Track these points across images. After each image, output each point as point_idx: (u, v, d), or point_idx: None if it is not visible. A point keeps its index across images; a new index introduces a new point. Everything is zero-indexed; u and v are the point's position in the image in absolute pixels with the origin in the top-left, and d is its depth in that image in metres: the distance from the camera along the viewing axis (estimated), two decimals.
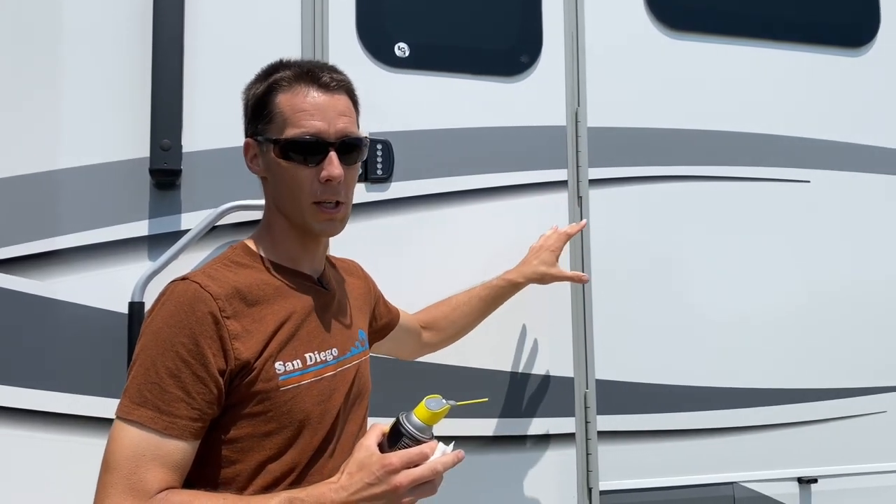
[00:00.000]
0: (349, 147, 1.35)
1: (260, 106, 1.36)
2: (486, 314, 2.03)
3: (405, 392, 1.93)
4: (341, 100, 1.35)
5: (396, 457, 1.16)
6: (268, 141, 1.34)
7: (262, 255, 1.38)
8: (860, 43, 2.57)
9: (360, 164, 1.39)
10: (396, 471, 1.15)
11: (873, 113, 2.56)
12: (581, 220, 2.24)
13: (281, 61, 1.40)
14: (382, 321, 1.77)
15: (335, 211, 1.35)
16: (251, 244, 1.40)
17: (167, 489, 1.18)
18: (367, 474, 1.16)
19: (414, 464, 1.16)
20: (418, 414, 1.21)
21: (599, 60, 2.32)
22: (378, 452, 1.18)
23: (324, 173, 1.31)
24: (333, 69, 1.39)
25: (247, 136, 1.40)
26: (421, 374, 2.04)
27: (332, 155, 1.32)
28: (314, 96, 1.32)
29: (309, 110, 1.31)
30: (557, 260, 2.05)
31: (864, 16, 2.59)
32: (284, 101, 1.33)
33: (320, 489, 1.18)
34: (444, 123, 2.18)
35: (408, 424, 1.21)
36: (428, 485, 1.18)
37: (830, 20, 2.55)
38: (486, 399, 1.41)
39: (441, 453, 1.19)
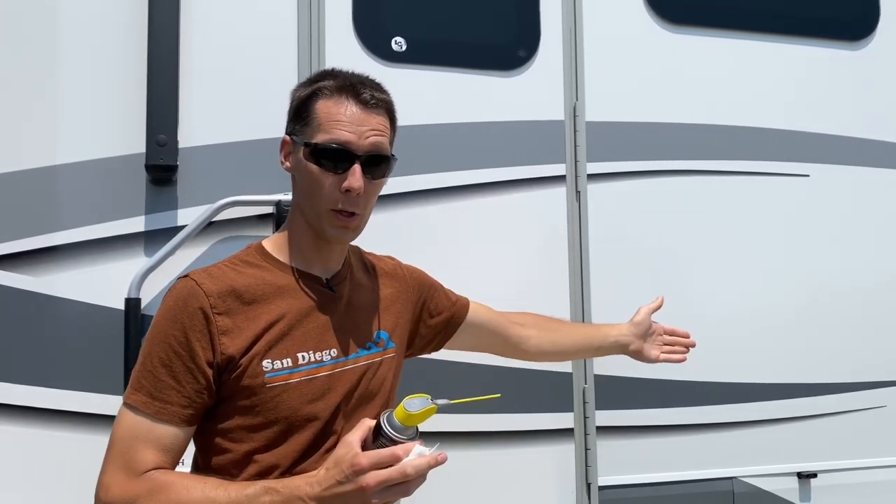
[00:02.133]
0: (375, 162, 1.39)
1: (301, 108, 1.41)
2: (581, 353, 2.03)
3: (406, 388, 1.92)
4: (377, 117, 1.39)
5: (366, 457, 1.16)
6: (301, 142, 1.39)
7: (274, 254, 1.43)
8: (859, 36, 2.57)
9: (384, 180, 1.43)
10: (364, 471, 1.15)
11: (873, 106, 2.56)
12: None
13: (332, 70, 1.45)
14: (444, 315, 1.72)
15: (349, 220, 1.38)
16: (267, 244, 1.45)
17: (157, 469, 1.26)
18: (338, 472, 1.17)
19: (384, 465, 1.16)
20: (397, 414, 1.19)
21: (598, 54, 2.32)
22: (355, 449, 1.18)
23: (345, 183, 1.35)
24: (378, 87, 1.42)
25: (286, 133, 1.45)
26: (421, 370, 2.04)
27: (357, 167, 1.35)
28: (351, 109, 1.37)
29: (343, 121, 1.36)
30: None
31: (863, 9, 2.59)
32: (323, 107, 1.37)
33: (297, 482, 1.21)
34: (441, 118, 2.18)
35: (386, 424, 1.19)
36: (399, 486, 1.17)
37: (830, 13, 2.55)
38: (499, 395, 1.37)
39: (416, 455, 1.16)
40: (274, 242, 1.45)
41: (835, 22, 2.55)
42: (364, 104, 1.37)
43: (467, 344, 1.81)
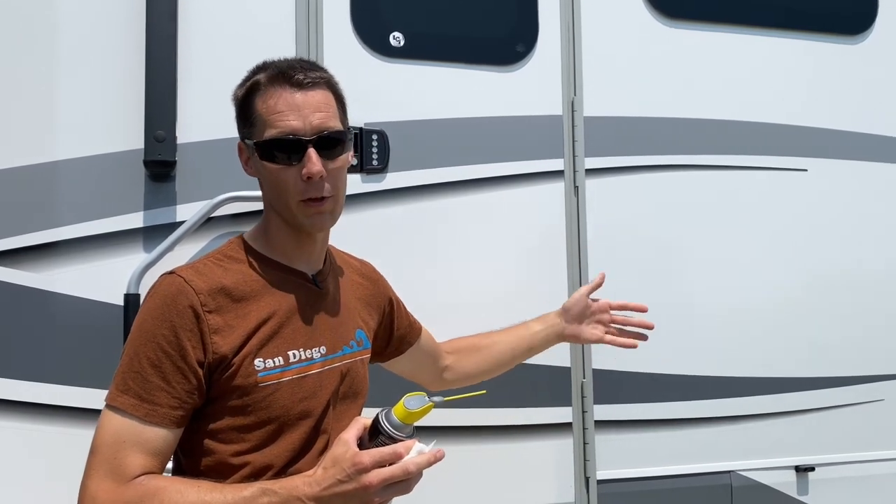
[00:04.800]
0: (329, 142, 1.33)
1: (243, 110, 1.37)
2: (518, 356, 1.92)
3: (401, 385, 1.92)
4: (317, 95, 1.34)
5: (368, 455, 1.16)
6: (252, 144, 1.35)
7: (257, 249, 1.39)
8: (858, 30, 2.56)
9: (346, 156, 1.38)
10: (367, 469, 1.15)
11: (871, 101, 2.56)
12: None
13: (262, 63, 1.39)
14: (400, 331, 1.71)
15: (321, 204, 1.35)
16: (249, 238, 1.42)
17: (146, 474, 1.21)
18: (339, 471, 1.16)
19: (386, 463, 1.16)
20: (396, 412, 1.20)
21: (595, 49, 2.32)
22: (353, 448, 1.18)
23: (304, 171, 1.31)
24: (311, 66, 1.37)
25: (240, 138, 1.41)
26: None
27: (311, 152, 1.31)
28: (288, 96, 1.32)
29: (283, 111, 1.31)
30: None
31: (861, 3, 2.58)
32: (261, 104, 1.33)
33: (294, 482, 1.19)
34: (439, 113, 2.17)
35: (385, 422, 1.20)
36: (401, 484, 1.17)
37: (828, 8, 2.54)
38: (484, 391, 1.39)
39: (417, 453, 1.17)
40: (256, 236, 1.41)
41: (833, 16, 2.54)
42: (299, 86, 1.32)
43: (403, 368, 1.79)
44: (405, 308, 1.75)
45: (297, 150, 1.31)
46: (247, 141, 1.37)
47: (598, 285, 1.93)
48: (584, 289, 1.94)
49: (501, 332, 1.92)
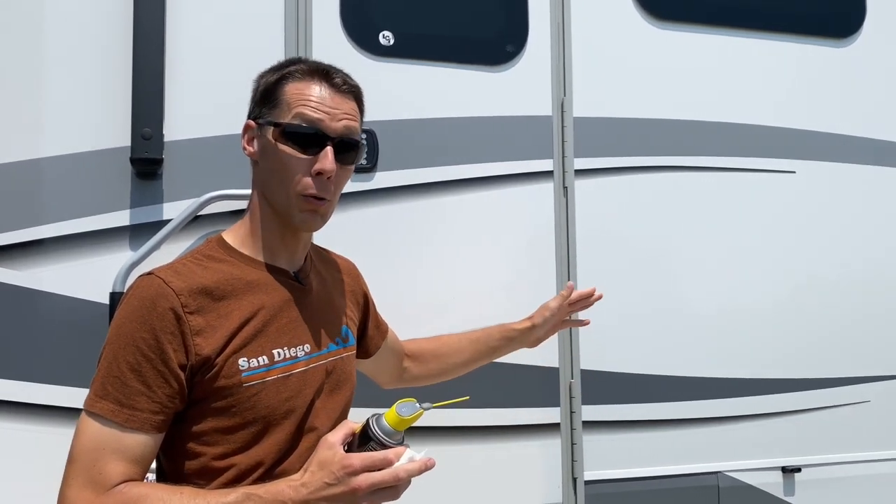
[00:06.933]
0: (346, 147, 1.35)
1: (268, 92, 1.37)
2: (478, 361, 1.94)
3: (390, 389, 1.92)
4: (349, 102, 1.37)
5: (358, 458, 1.15)
6: (269, 124, 1.34)
7: (237, 248, 1.37)
8: (846, 33, 2.58)
9: (352, 166, 1.40)
10: (356, 473, 1.14)
11: (859, 103, 2.57)
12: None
13: (298, 58, 1.44)
14: (370, 332, 1.71)
15: (319, 204, 1.35)
16: (228, 236, 1.39)
17: (126, 481, 1.18)
18: (327, 474, 1.15)
19: (376, 468, 1.15)
20: (388, 419, 1.19)
21: (585, 50, 2.32)
22: (340, 451, 1.17)
23: (317, 166, 1.31)
24: (347, 75, 1.41)
25: (249, 118, 1.40)
26: None
27: (329, 150, 1.32)
28: (324, 92, 1.34)
29: (314, 102, 1.33)
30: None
31: (849, 6, 2.60)
32: (293, 89, 1.34)
33: (279, 486, 1.17)
34: (429, 113, 2.17)
35: (376, 428, 1.19)
36: (389, 490, 1.17)
37: (816, 10, 2.56)
38: (468, 397, 1.39)
39: (407, 460, 1.17)
40: (235, 235, 1.39)
41: (821, 19, 2.56)
42: (336, 88, 1.35)
43: (366, 367, 1.77)
44: (376, 309, 1.74)
45: (316, 144, 1.32)
46: (260, 120, 1.36)
47: (567, 297, 1.93)
48: (553, 304, 1.92)
49: (462, 337, 1.91)
